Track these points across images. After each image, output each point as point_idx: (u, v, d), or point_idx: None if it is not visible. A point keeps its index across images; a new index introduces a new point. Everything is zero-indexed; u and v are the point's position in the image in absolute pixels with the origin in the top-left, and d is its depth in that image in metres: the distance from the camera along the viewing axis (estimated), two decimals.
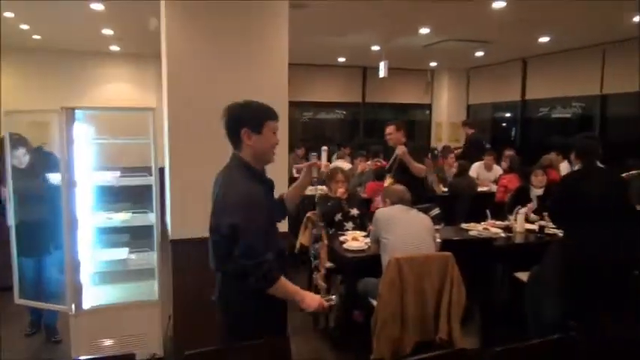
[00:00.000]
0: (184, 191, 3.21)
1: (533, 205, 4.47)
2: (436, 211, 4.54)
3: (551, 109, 8.97)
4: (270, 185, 2.11)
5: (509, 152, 7.21)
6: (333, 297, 2.09)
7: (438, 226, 4.07)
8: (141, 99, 8.97)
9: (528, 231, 4.15)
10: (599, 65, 7.83)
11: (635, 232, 2.96)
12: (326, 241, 3.35)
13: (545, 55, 8.75)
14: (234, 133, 1.99)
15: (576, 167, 3.26)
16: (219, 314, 2.05)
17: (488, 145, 8.38)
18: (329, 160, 8.34)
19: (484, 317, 3.84)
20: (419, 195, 4.00)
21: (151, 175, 3.29)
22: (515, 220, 4.17)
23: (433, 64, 10.47)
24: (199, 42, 3.20)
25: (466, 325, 3.87)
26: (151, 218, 3.37)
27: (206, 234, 2.03)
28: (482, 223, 4.36)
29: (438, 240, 3.51)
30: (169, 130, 3.24)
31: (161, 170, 3.37)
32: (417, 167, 4.30)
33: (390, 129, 4.54)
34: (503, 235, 4.05)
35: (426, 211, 4.39)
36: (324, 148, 2.46)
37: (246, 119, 1.98)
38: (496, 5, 5.28)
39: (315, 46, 7.82)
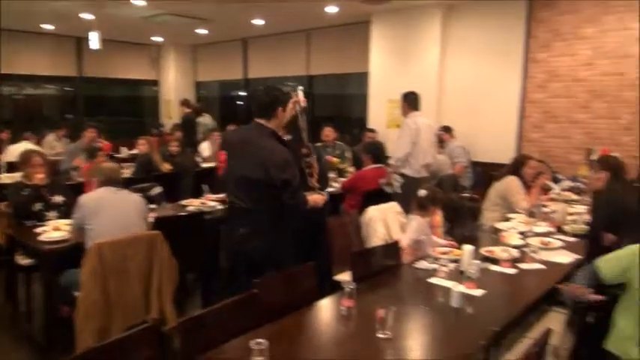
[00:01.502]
0: None
1: None
2: (157, 189, 4.44)
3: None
4: None
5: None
6: None
7: (154, 206, 4.00)
8: None
9: None
10: (305, 49, 8.84)
11: None
12: None
13: (262, 37, 9.40)
14: (270, 108, 2.78)
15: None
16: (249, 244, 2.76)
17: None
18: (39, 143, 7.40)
19: (205, 289, 3.96)
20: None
21: None
22: None
23: (158, 38, 10.13)
24: None
25: (188, 300, 3.96)
26: None
27: None
28: (201, 198, 4.46)
29: (151, 219, 3.44)
30: None
31: None
32: None
33: None
34: (220, 207, 4.22)
35: (146, 190, 4.26)
36: None
37: (281, 100, 2.81)
38: None
39: (12, 7, 6.61)
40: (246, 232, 2.77)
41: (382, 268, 2.74)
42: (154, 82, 11.30)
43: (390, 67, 7.10)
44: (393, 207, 3.71)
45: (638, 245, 2.29)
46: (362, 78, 7.58)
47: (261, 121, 2.78)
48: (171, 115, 10.79)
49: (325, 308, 2.29)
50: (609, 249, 3.11)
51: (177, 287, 3.13)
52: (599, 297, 2.30)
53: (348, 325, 2.13)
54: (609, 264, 2.35)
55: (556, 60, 5.94)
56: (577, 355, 2.42)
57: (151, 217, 3.47)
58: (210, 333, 1.92)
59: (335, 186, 4.98)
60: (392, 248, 2.92)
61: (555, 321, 2.60)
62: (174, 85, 10.99)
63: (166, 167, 5.97)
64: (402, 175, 4.65)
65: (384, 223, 3.52)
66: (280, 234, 2.81)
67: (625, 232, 3.17)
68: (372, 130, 6.88)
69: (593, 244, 3.20)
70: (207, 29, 8.67)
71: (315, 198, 2.96)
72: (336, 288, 2.60)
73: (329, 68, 8.68)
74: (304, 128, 3.14)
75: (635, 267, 2.23)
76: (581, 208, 4.10)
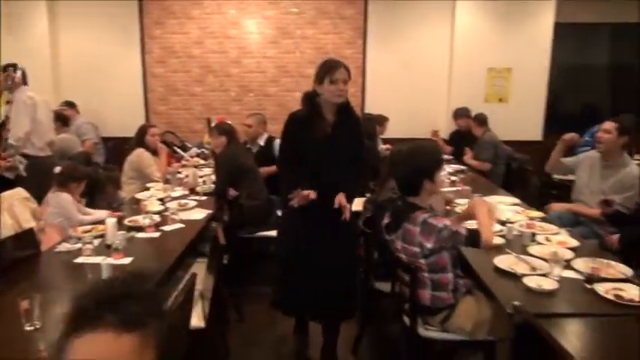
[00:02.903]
0: None
1: None
2: None
3: None
4: None
5: None
6: None
7: None
8: None
9: None
10: None
11: None
12: None
13: None
14: None
15: None
16: None
17: None
18: None
19: None
20: None
21: None
22: None
23: None
24: None
25: None
26: None
27: None
28: None
29: None
30: None
31: None
32: None
33: None
34: None
35: None
36: None
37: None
38: None
39: None
40: None
41: (16, 261, 2.47)
42: None
43: None
44: (18, 193, 3.32)
45: None
46: None
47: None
48: None
49: None
50: (233, 202, 3.72)
51: None
52: None
53: None
54: None
55: (170, 37, 6.36)
56: (219, 293, 2.85)
57: None
58: None
59: None
60: (26, 237, 2.65)
61: (199, 269, 2.98)
62: None
63: None
64: (25, 156, 4.18)
65: (9, 212, 3.12)
66: None
67: (242, 186, 3.84)
68: None
69: (220, 199, 3.74)
70: None
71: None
72: None
73: None
74: None
75: None
76: (209, 171, 4.67)
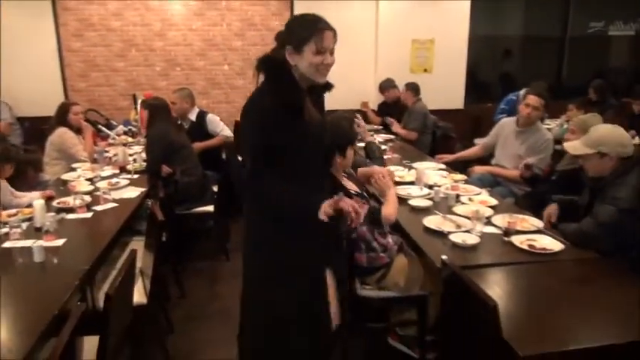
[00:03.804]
0: None
1: None
2: None
3: None
4: None
5: None
6: None
7: None
8: None
9: None
10: None
11: None
12: None
13: None
14: None
15: None
16: None
17: None
18: None
19: None
20: None
21: None
22: None
23: None
24: None
25: None
26: None
27: None
28: None
29: None
30: None
31: None
32: None
33: None
34: None
35: None
36: None
37: None
38: None
39: None
40: None
41: None
42: None
43: None
44: None
45: None
46: None
47: None
48: None
49: None
50: (167, 179, 3.67)
51: None
52: None
53: None
54: None
55: (86, 8, 5.97)
56: (158, 270, 2.83)
57: None
58: None
59: None
60: None
61: (137, 247, 2.94)
62: None
63: None
64: None
65: None
66: None
67: (176, 162, 3.79)
68: None
69: (153, 177, 3.67)
70: None
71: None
72: None
73: None
74: None
75: None
76: (138, 149, 4.53)
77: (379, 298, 2.53)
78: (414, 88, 5.46)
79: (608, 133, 2.41)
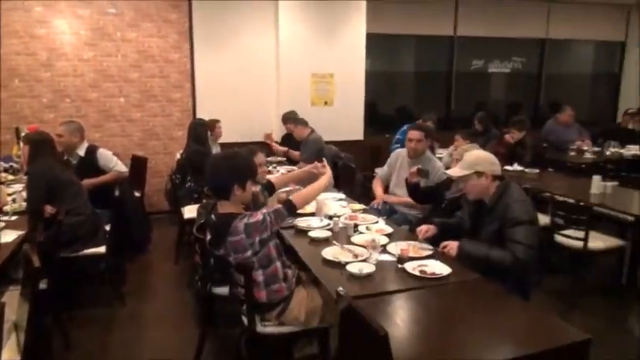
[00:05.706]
0: None
1: None
2: None
3: None
4: None
5: None
6: None
7: None
8: None
9: None
10: None
11: None
12: None
13: None
14: None
15: None
16: None
17: None
18: None
19: None
20: None
21: None
22: None
23: None
24: None
25: None
26: None
27: None
28: None
29: None
30: None
31: None
32: None
33: None
34: None
35: None
36: None
37: None
38: None
39: None
40: None
41: None
42: None
43: None
44: None
45: None
46: None
47: None
48: None
49: None
50: (50, 219, 3.37)
51: None
52: None
53: None
54: None
55: None
56: (35, 321, 2.57)
57: None
58: None
59: None
60: None
61: (11, 298, 2.65)
62: None
63: None
64: None
65: None
66: None
67: (61, 201, 3.50)
68: None
69: (34, 216, 3.36)
70: None
71: None
72: None
73: None
74: None
75: None
76: (19, 187, 4.14)
77: (280, 334, 2.48)
78: (302, 123, 5.56)
79: (480, 155, 2.74)
